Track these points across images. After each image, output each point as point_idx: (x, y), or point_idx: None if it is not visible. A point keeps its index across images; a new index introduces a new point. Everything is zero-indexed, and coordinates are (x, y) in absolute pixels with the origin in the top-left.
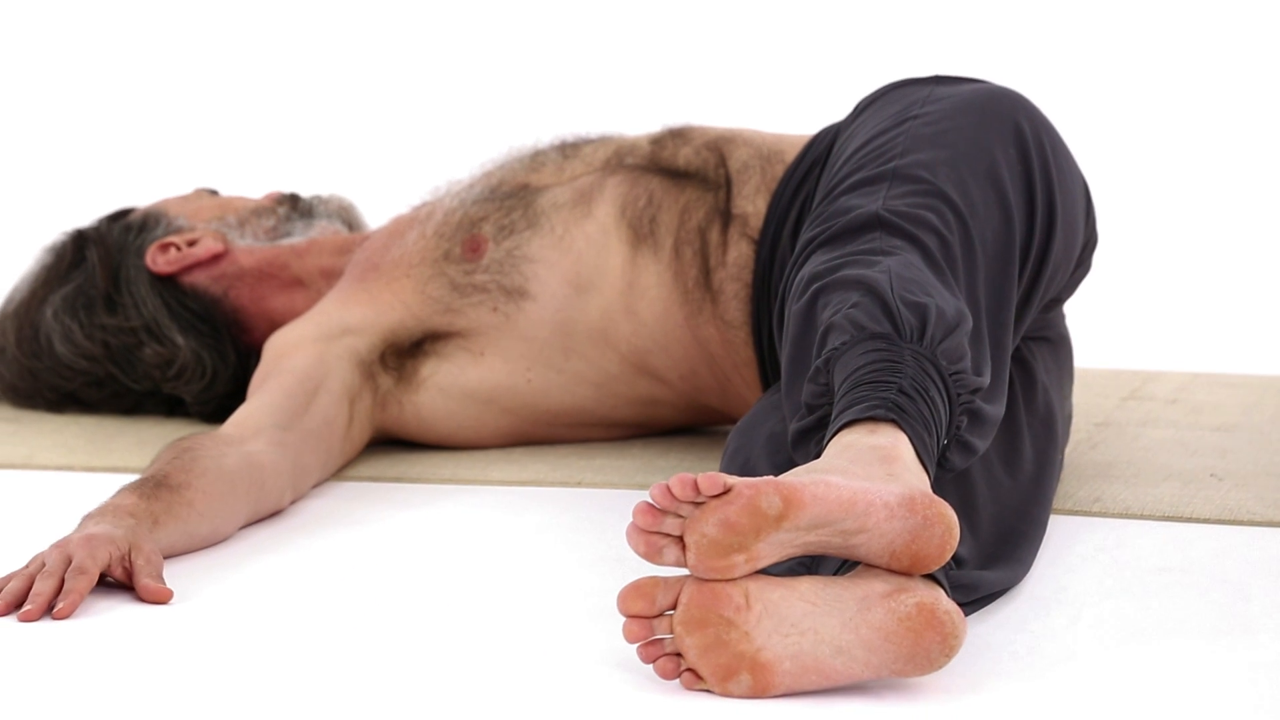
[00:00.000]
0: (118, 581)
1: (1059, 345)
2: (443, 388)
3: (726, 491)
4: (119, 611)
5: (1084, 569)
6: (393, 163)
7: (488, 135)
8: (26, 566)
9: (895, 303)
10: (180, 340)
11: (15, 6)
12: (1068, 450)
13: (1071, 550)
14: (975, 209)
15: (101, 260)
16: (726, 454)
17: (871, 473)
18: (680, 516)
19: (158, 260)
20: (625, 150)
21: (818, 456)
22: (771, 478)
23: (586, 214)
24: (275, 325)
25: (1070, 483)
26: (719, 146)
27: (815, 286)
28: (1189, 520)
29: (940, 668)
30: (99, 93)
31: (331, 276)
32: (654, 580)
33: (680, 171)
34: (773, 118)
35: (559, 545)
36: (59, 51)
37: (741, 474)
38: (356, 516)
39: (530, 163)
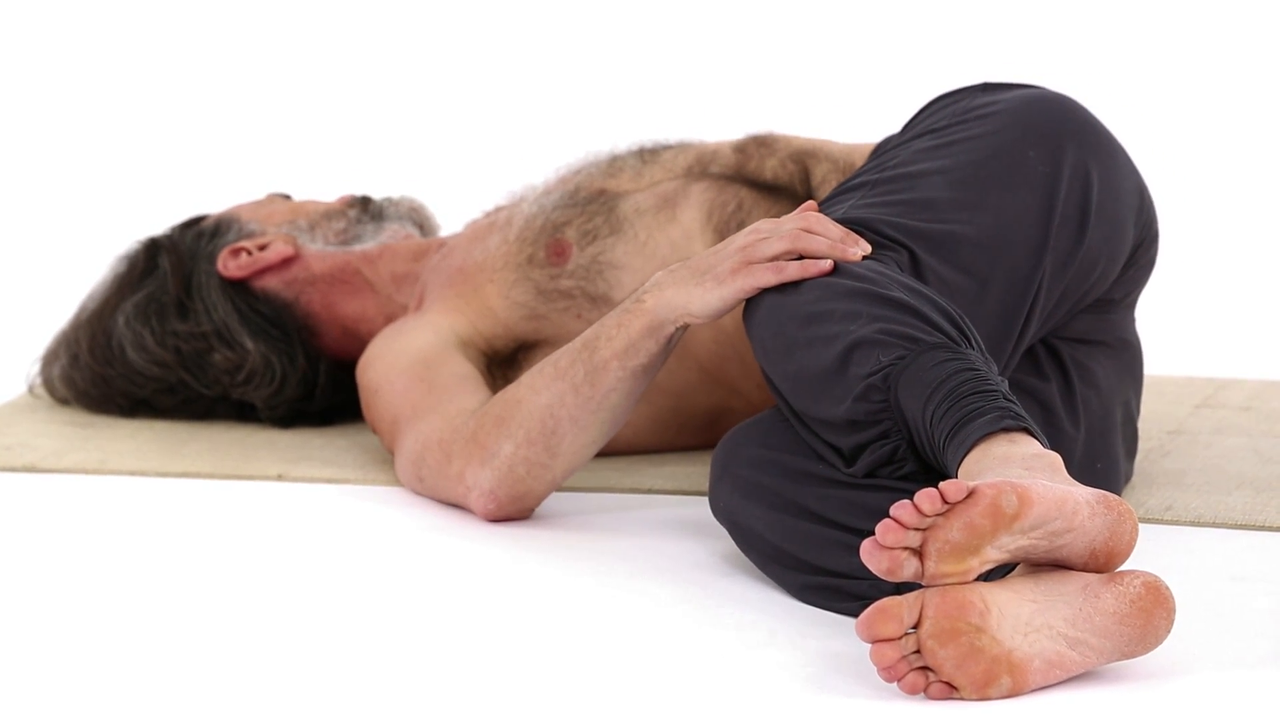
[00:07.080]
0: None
1: (1120, 350)
2: None
3: (970, 494)
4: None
5: None
6: (445, 166)
7: (558, 139)
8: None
9: (931, 312)
10: (250, 345)
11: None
12: (1139, 459)
13: (1143, 559)
14: (956, 215)
15: (173, 267)
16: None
17: (1054, 479)
18: (920, 530)
19: (229, 265)
20: (708, 158)
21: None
22: (1003, 479)
23: (671, 219)
24: (347, 330)
25: (1141, 491)
26: (802, 160)
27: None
28: (1262, 529)
29: (1162, 643)
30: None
31: (404, 282)
32: (896, 600)
33: (768, 184)
34: (850, 127)
35: (633, 551)
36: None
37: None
38: (458, 525)
39: (608, 168)
